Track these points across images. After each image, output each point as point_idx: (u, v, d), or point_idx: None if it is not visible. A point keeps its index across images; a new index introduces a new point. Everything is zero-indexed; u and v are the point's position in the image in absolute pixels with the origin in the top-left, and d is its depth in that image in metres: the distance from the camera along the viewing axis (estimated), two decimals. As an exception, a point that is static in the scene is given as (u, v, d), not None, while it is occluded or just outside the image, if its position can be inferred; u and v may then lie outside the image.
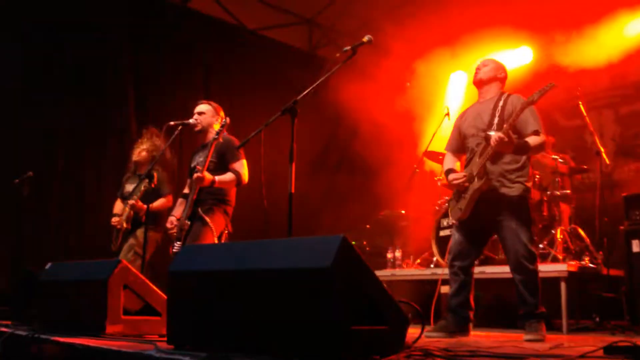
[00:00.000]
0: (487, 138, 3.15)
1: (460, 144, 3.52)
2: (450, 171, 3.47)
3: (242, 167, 3.72)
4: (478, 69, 3.50)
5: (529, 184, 3.29)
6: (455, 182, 3.32)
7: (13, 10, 5.36)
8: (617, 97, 6.03)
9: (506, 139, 3.05)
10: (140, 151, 4.68)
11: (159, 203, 4.49)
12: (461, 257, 3.35)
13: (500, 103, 3.29)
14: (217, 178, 3.61)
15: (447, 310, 3.39)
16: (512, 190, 3.22)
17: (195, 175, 3.55)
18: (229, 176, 3.67)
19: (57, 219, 5.47)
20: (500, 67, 3.50)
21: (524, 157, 3.28)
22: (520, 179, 3.24)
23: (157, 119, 6.11)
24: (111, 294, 2.60)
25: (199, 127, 3.83)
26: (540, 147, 3.24)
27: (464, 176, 3.29)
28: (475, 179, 3.22)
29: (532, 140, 3.20)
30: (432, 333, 3.23)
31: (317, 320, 1.66)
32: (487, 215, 3.24)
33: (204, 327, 1.97)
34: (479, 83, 3.48)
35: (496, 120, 3.24)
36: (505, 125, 3.12)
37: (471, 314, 3.37)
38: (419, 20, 5.66)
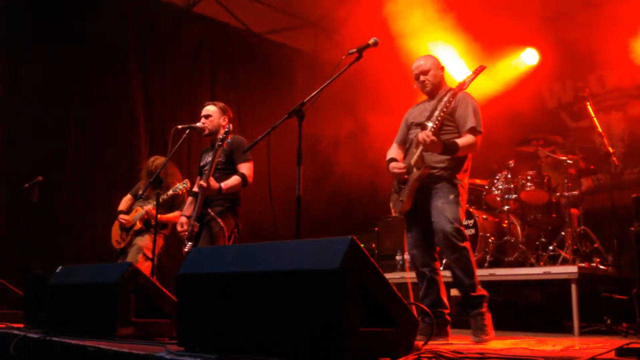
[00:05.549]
0: (423, 127, 3.12)
1: (405, 136, 3.45)
2: (392, 160, 3.39)
3: (249, 169, 3.73)
4: (424, 81, 3.33)
5: (462, 175, 3.22)
6: (395, 170, 3.26)
7: (21, 11, 5.43)
8: (625, 97, 5.99)
9: (428, 140, 3.02)
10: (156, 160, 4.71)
11: (170, 216, 4.52)
12: (419, 255, 3.27)
13: (445, 98, 3.18)
14: (223, 185, 3.62)
15: (419, 313, 3.12)
16: (441, 172, 3.18)
17: (198, 184, 3.57)
18: (234, 180, 3.67)
19: (66, 222, 5.51)
20: (438, 65, 3.37)
21: None
22: (451, 165, 3.18)
23: (164, 123, 6.17)
24: (122, 296, 2.61)
25: (207, 132, 3.85)
26: (470, 147, 3.17)
27: (404, 167, 3.23)
28: (414, 169, 3.17)
29: (463, 140, 3.15)
30: None
31: (325, 321, 1.66)
32: (423, 202, 3.20)
33: (214, 329, 1.97)
34: (431, 93, 3.35)
35: (436, 113, 3.16)
36: (430, 125, 3.08)
37: (446, 314, 3.22)
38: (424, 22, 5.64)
